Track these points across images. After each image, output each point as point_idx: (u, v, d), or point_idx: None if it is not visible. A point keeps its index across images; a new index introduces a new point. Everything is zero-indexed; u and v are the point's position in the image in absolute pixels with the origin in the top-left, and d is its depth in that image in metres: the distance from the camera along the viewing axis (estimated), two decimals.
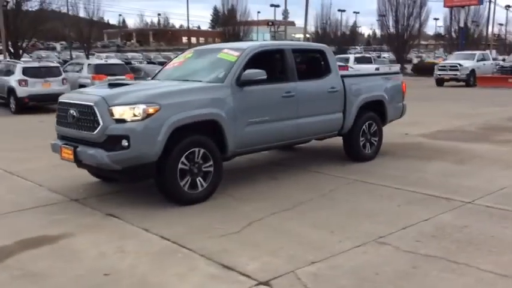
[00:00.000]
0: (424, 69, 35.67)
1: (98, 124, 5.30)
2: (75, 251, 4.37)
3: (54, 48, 70.21)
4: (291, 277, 3.79)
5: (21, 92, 16.19)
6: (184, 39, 78.65)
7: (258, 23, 72.45)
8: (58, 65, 18.61)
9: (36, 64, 18.20)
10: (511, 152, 8.58)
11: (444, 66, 27.25)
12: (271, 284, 3.68)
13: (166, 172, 5.41)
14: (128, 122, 5.23)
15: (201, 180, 5.72)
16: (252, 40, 56.09)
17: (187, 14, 74.83)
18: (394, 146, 9.08)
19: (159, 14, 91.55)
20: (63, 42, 63.93)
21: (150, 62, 41.72)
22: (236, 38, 50.89)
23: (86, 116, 5.45)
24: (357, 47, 79.13)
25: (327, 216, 5.25)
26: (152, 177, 5.59)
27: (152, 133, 5.24)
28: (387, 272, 3.89)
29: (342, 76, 7.47)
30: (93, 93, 5.70)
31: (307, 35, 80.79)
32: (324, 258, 4.15)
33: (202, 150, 5.66)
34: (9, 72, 17.20)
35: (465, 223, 4.98)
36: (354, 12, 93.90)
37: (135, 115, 5.23)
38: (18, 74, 16.58)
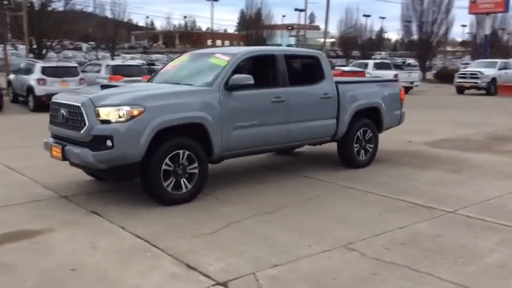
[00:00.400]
0: (446, 76, 35.23)
1: (85, 124, 5.47)
2: (50, 246, 4.53)
3: (81, 49, 71.60)
4: (249, 279, 3.87)
5: (39, 90, 16.62)
6: (210, 42, 79.12)
7: (282, 27, 72.67)
8: (76, 65, 19.03)
9: (54, 64, 18.67)
10: (510, 163, 8.47)
11: (464, 74, 26.87)
12: (227, 285, 3.77)
13: (150, 172, 5.56)
14: (112, 123, 5.38)
15: (186, 181, 5.84)
16: (275, 44, 56.32)
17: (211, 17, 75.10)
18: (394, 153, 9.08)
19: (185, 17, 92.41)
20: (92, 43, 65.10)
21: None
22: (259, 41, 51.15)
23: (74, 116, 5.64)
24: (382, 52, 78.48)
25: (304, 221, 5.31)
26: (136, 177, 5.74)
27: (135, 134, 5.38)
28: (345, 277, 3.95)
29: (337, 82, 7.51)
30: (83, 94, 5.89)
31: (332, 39, 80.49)
32: (288, 261, 4.22)
33: (187, 152, 5.78)
34: (29, 71, 17.71)
35: (440, 232, 4.99)
36: (380, 17, 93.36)
37: (119, 116, 5.38)
38: (37, 73, 17.04)
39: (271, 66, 6.85)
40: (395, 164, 8.28)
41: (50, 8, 26.38)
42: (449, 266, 4.18)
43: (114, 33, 44.94)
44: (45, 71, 17.10)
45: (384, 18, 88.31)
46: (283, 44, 65.77)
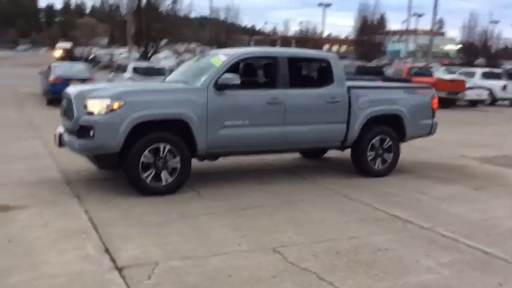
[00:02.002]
0: None
1: (74, 115, 5.97)
2: (11, 220, 5.03)
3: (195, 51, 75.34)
4: (149, 267, 3.99)
5: None
6: (326, 47, 78.87)
7: (406, 32, 70.04)
8: (163, 67, 20.28)
9: (144, 64, 20.07)
10: None
11: None
12: (123, 270, 3.94)
13: (128, 163, 5.90)
14: (95, 114, 5.81)
15: (167, 174, 6.09)
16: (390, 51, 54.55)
17: (322, 22, 74.07)
18: (428, 165, 8.60)
19: (301, 22, 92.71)
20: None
21: None
22: (373, 47, 50.04)
23: (69, 106, 6.16)
24: None
25: (262, 221, 5.28)
26: (119, 167, 6.11)
27: (113, 126, 5.74)
28: (242, 276, 3.92)
29: (350, 87, 7.28)
30: (82, 87, 6.40)
31: (458, 46, 75.81)
32: (202, 256, 4.28)
33: (168, 147, 6.03)
34: (124, 70, 19.26)
35: (390, 246, 4.70)
36: None
37: (101, 109, 5.79)
38: (129, 72, 18.47)
39: (271, 68, 6.86)
40: (418, 176, 7.80)
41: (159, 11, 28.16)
42: (361, 280, 3.96)
43: (226, 38, 46.78)
44: (136, 70, 18.48)
45: None
46: (401, 51, 63.53)
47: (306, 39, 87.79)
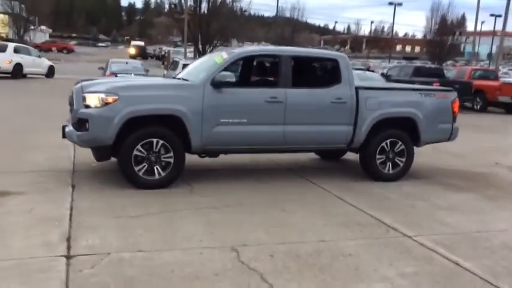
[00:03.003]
0: None
1: (74, 107, 6.23)
2: (0, 205, 5.32)
3: None
4: (98, 257, 4.07)
5: None
6: (399, 48, 76.80)
7: (481, 33, 66.84)
8: None
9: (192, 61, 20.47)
10: None
11: None
12: (72, 258, 4.06)
13: (121, 156, 6.07)
14: (91, 107, 6.02)
15: (159, 169, 6.20)
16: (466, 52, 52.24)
17: (393, 22, 71.73)
18: (452, 172, 8.28)
19: (372, 22, 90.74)
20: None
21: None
22: (446, 48, 48.28)
23: (72, 100, 6.43)
24: None
25: (236, 220, 5.24)
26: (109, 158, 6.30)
27: (106, 120, 5.92)
28: (184, 272, 3.92)
29: (358, 88, 7.07)
30: (85, 81, 6.65)
31: None
32: (156, 250, 4.32)
33: (161, 142, 6.14)
34: (175, 67, 19.75)
35: (357, 252, 4.54)
36: None
37: (96, 102, 6.00)
38: (179, 69, 18.90)
39: (273, 67, 6.80)
40: (431, 182, 7.45)
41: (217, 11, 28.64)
42: (306, 284, 3.86)
43: (291, 37, 46.76)
44: (185, 67, 18.87)
45: None
46: (479, 53, 60.65)
47: (378, 39, 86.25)
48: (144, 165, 6.14)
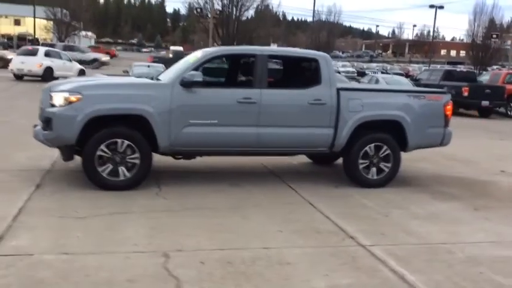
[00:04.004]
0: None
1: (42, 107, 6.19)
2: None
3: None
4: (17, 258, 3.95)
5: None
6: (443, 52, 74.80)
7: None
8: None
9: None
10: None
11: None
12: None
13: (84, 156, 5.98)
14: (55, 107, 5.97)
15: (124, 170, 6.07)
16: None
17: (434, 25, 69.51)
18: (450, 179, 7.84)
19: (414, 26, 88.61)
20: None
21: (383, 72, 41.63)
22: (488, 51, 46.58)
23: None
24: None
25: (190, 223, 5.04)
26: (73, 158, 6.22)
27: (69, 119, 5.83)
28: (98, 277, 3.75)
29: (339, 89, 6.74)
30: (55, 81, 6.60)
31: None
32: (83, 253, 4.18)
33: (126, 142, 6.01)
34: None
35: (298, 261, 4.27)
36: None
37: (61, 101, 5.93)
38: None
39: (248, 66, 6.56)
40: (419, 189, 7.02)
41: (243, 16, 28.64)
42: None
43: (325, 41, 46.20)
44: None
45: None
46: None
47: (421, 43, 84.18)
48: (109, 166, 6.02)
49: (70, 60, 25.86)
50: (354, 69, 47.44)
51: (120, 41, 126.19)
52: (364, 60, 74.80)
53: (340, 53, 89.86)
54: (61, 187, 6.11)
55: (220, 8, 25.44)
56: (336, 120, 6.67)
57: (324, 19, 48.16)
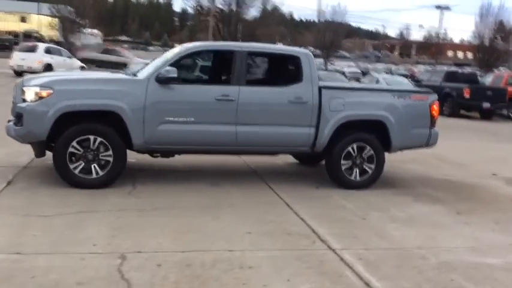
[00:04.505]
0: None
1: (14, 102, 6.05)
2: None
3: None
4: None
5: None
6: (450, 54, 74.25)
7: None
8: None
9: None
10: None
11: None
12: None
13: (54, 153, 5.83)
14: (26, 102, 5.82)
15: (97, 167, 5.92)
16: None
17: (440, 26, 68.97)
18: (437, 182, 7.66)
19: (420, 26, 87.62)
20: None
21: (387, 73, 41.53)
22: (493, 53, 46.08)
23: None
24: None
25: (157, 223, 4.88)
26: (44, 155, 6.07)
27: (39, 114, 5.69)
28: (46, 279, 3.59)
29: (321, 87, 6.56)
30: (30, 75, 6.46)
31: None
32: (36, 253, 4.03)
33: (99, 139, 5.86)
34: None
35: (261, 264, 4.11)
36: None
37: (32, 96, 5.79)
38: None
39: (226, 63, 6.39)
40: (402, 192, 6.82)
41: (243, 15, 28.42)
42: None
43: (329, 41, 45.87)
44: None
45: None
46: None
47: (428, 44, 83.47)
48: (81, 163, 5.87)
49: (70, 57, 25.80)
50: (358, 70, 47.18)
51: (127, 39, 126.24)
52: (370, 61, 74.42)
53: (347, 54, 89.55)
54: (33, 184, 5.96)
55: (221, 6, 25.37)
56: (318, 119, 6.50)
57: (329, 19, 47.70)
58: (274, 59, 7.00)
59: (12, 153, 7.48)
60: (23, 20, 70.94)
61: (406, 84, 21.28)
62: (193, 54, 6.39)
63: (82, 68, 25.92)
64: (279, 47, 7.51)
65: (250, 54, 6.41)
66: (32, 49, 23.68)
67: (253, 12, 29.24)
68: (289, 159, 8.19)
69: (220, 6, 27.35)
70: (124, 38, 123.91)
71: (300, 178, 7.24)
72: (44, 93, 5.73)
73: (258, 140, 6.39)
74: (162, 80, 5.96)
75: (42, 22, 52.18)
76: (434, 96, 7.08)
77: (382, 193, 6.64)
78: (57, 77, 6.16)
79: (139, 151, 6.28)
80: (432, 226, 5.44)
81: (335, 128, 6.53)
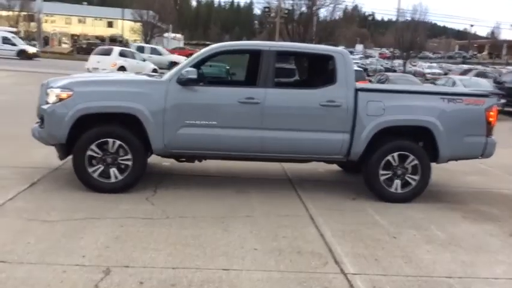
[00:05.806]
0: None
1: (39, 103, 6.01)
2: None
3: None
4: None
5: None
6: None
7: None
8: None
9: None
10: None
11: None
12: None
13: (73, 156, 5.71)
14: (48, 103, 5.75)
15: (116, 171, 5.73)
16: None
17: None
18: (493, 196, 6.71)
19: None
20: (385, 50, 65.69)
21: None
22: None
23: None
24: None
25: (153, 235, 4.54)
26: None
27: (58, 116, 5.58)
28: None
29: (358, 89, 5.98)
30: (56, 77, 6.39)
31: None
32: (20, 262, 3.84)
33: (118, 142, 5.67)
34: None
35: (253, 287, 3.64)
36: None
37: (54, 98, 5.70)
38: None
39: (253, 63, 5.98)
40: (453, 207, 6.09)
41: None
42: None
43: (409, 41, 43.92)
44: None
45: None
46: None
47: None
48: (100, 167, 5.70)
49: (144, 60, 26.50)
50: (440, 71, 45.03)
51: (208, 42, 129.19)
52: (455, 62, 70.75)
53: (431, 54, 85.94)
54: (54, 187, 5.88)
55: (289, 7, 24.86)
56: (353, 124, 5.92)
57: (409, 18, 45.84)
58: (306, 58, 6.49)
59: (50, 154, 7.49)
60: (110, 25, 74.60)
61: (486, 86, 19.73)
62: (218, 54, 6.02)
63: (154, 70, 26.55)
64: (312, 46, 6.98)
65: (279, 54, 5.94)
66: (107, 52, 24.54)
67: (324, 13, 28.64)
68: (333, 166, 7.62)
69: (287, 7, 26.95)
70: (206, 42, 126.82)
71: (337, 188, 6.68)
72: (64, 94, 5.63)
73: (285, 146, 5.93)
74: (183, 82, 5.66)
75: (126, 27, 54.40)
76: (492, 100, 6.24)
77: (426, 208, 5.94)
78: (79, 79, 6.05)
79: (161, 155, 6.03)
80: (474, 249, 4.72)
81: (372, 134, 5.92)
